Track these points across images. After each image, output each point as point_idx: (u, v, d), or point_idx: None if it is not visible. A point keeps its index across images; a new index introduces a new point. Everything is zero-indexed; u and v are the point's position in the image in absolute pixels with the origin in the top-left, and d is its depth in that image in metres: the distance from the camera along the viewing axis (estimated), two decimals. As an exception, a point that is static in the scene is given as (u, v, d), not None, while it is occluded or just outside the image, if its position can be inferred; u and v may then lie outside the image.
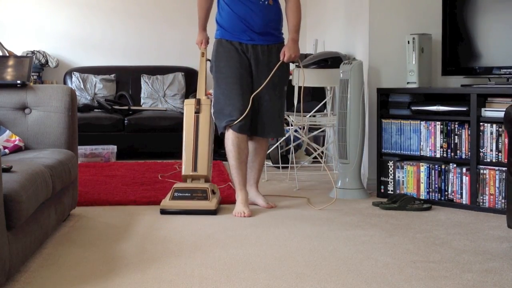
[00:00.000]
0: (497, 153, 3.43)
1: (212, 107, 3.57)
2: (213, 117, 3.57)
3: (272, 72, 3.46)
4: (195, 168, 3.49)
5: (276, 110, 3.57)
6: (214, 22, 3.60)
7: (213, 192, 3.44)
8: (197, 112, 3.53)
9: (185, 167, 3.52)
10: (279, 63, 3.50)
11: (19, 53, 6.23)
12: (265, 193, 3.81)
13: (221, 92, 3.48)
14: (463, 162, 3.58)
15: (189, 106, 3.57)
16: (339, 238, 2.89)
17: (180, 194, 3.40)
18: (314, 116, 4.77)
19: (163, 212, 3.37)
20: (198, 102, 3.55)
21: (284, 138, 5.10)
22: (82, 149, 5.48)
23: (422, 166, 3.73)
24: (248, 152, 3.55)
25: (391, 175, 3.87)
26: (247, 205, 3.43)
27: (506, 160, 3.03)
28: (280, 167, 5.02)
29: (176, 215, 3.34)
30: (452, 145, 3.61)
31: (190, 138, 3.52)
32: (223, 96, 3.47)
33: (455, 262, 2.51)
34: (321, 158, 4.96)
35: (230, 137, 3.47)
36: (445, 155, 3.65)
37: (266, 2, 3.46)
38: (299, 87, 4.29)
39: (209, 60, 3.62)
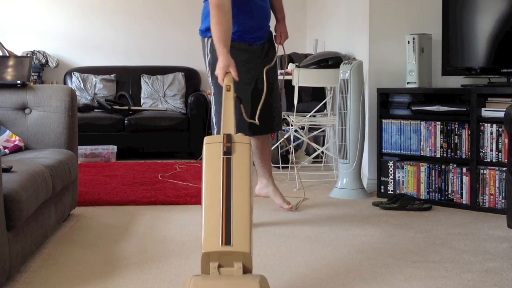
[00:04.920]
0: (497, 153, 3.43)
1: (213, 116, 3.16)
2: (214, 125, 3.16)
3: (275, 58, 3.29)
4: (227, 240, 1.93)
5: (278, 103, 3.41)
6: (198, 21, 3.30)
7: None
8: (228, 153, 2.09)
9: (207, 239, 1.94)
10: (278, 47, 3.33)
11: (19, 53, 6.23)
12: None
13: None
14: (463, 162, 3.58)
15: (212, 146, 2.12)
16: (339, 238, 2.89)
17: None
18: (314, 116, 4.77)
19: None
20: (229, 139, 2.11)
21: (284, 138, 5.10)
22: (82, 149, 5.48)
23: (422, 166, 3.73)
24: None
25: (391, 175, 3.87)
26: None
27: (506, 160, 3.03)
28: (280, 167, 5.03)
29: None
30: (452, 145, 3.61)
31: (215, 192, 2.02)
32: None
33: (455, 262, 2.51)
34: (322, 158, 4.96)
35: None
36: (445, 155, 3.65)
37: None
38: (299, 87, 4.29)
39: (239, 98, 2.75)
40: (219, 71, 2.77)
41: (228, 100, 2.45)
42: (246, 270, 1.94)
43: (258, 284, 1.83)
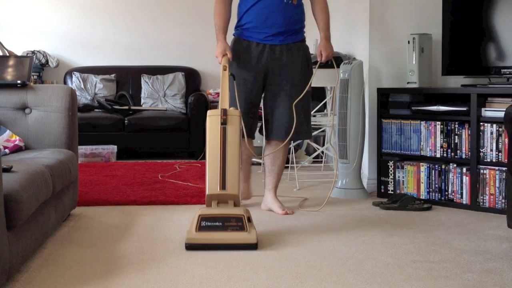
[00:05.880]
0: (497, 153, 3.43)
1: None
2: None
3: (312, 78, 3.41)
4: (223, 186, 2.91)
5: (292, 112, 3.37)
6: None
7: (249, 220, 2.84)
8: (224, 123, 2.98)
9: (210, 185, 2.92)
10: (318, 64, 3.44)
11: (19, 53, 6.23)
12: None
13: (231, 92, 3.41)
14: (463, 162, 3.58)
15: (213, 118, 3.02)
16: (339, 238, 2.89)
17: (209, 224, 2.73)
18: (314, 116, 4.77)
19: (190, 247, 2.68)
20: (225, 113, 3.00)
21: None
22: (82, 149, 5.48)
23: (422, 166, 3.73)
24: (249, 152, 3.49)
25: (391, 175, 3.87)
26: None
27: (506, 160, 3.03)
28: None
29: (205, 251, 2.68)
30: (452, 145, 3.61)
31: (215, 152, 2.95)
32: (231, 95, 3.37)
33: (455, 262, 2.51)
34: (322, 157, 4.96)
35: None
36: (445, 155, 3.65)
37: (290, 2, 3.35)
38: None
39: (232, 75, 3.31)
40: (217, 54, 3.31)
41: (224, 78, 3.19)
42: (236, 205, 2.93)
43: (243, 210, 2.80)
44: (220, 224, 2.73)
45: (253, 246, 2.68)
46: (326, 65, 3.68)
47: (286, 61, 3.39)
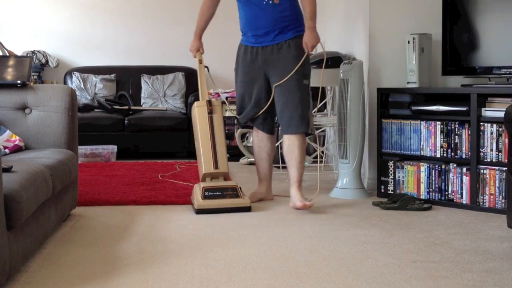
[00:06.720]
0: (497, 153, 3.43)
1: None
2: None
3: (297, 67, 3.51)
4: (216, 166, 3.52)
5: (293, 105, 3.54)
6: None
7: (241, 190, 3.50)
8: (210, 113, 3.58)
9: (206, 166, 3.53)
10: (304, 56, 3.54)
11: (19, 53, 6.23)
12: (265, 193, 3.81)
13: (236, 93, 3.74)
14: (463, 162, 3.58)
15: (201, 108, 3.62)
16: (339, 238, 2.89)
17: (211, 193, 3.42)
18: (314, 116, 4.77)
19: (200, 212, 3.37)
20: (210, 103, 3.61)
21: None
22: (82, 149, 5.48)
23: (422, 166, 3.73)
24: (269, 150, 3.73)
25: (391, 175, 3.87)
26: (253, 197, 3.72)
27: (506, 160, 3.03)
28: (280, 167, 5.02)
29: (210, 215, 3.35)
30: (452, 145, 3.62)
31: (206, 137, 3.55)
32: (237, 97, 3.72)
33: (455, 262, 2.51)
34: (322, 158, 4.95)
35: (253, 134, 3.83)
36: (445, 155, 3.65)
37: (271, 2, 3.51)
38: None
39: (206, 67, 3.81)
40: (191, 50, 3.87)
41: (201, 70, 3.79)
42: (226, 180, 3.55)
43: (235, 183, 3.52)
44: (220, 193, 3.42)
45: (247, 209, 3.42)
46: (326, 65, 3.71)
47: (276, 59, 3.56)
